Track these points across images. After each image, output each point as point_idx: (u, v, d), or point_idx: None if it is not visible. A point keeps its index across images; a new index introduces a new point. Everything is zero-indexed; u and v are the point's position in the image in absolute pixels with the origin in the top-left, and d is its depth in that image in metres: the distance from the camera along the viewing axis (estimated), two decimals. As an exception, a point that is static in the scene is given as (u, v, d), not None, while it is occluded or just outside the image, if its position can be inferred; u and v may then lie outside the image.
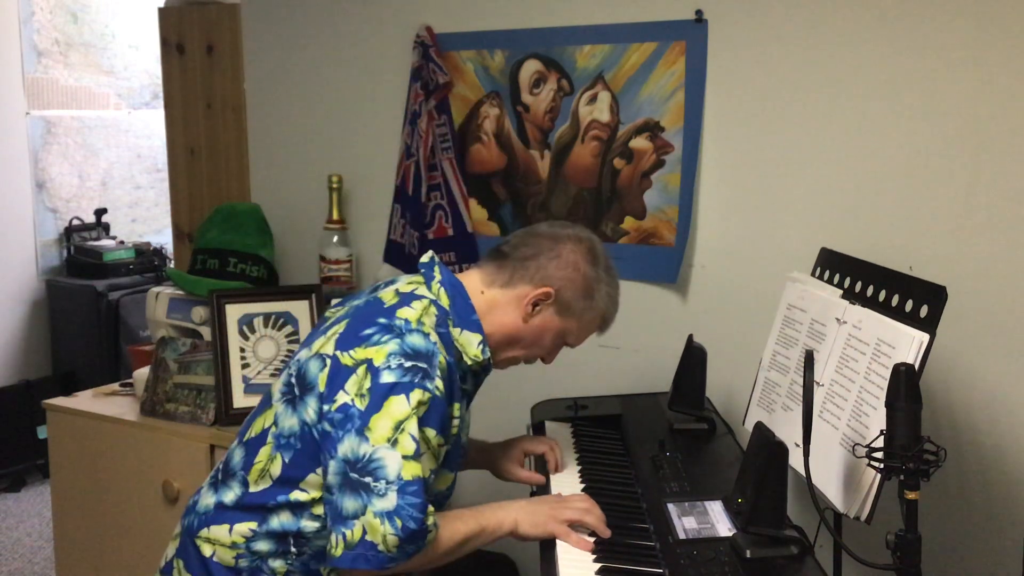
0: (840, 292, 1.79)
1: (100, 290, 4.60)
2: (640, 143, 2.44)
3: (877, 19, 2.11)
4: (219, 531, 1.65)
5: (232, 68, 3.37)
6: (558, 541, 1.59)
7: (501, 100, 2.63)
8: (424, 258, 1.76)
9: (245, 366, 2.51)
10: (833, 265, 1.92)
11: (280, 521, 1.62)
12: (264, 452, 1.64)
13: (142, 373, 2.65)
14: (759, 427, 1.54)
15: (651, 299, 2.47)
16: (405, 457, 1.50)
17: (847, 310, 1.69)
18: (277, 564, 1.64)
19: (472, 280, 1.74)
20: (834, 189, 2.20)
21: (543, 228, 1.79)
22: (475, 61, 2.66)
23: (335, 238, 2.83)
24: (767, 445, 1.48)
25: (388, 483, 1.48)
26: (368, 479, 1.49)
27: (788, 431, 1.71)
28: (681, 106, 2.37)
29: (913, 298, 1.57)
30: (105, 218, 5.03)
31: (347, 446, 1.51)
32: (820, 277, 1.94)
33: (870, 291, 1.71)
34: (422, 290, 1.68)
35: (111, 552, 2.59)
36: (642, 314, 2.49)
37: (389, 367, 1.53)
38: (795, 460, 1.53)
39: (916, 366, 1.42)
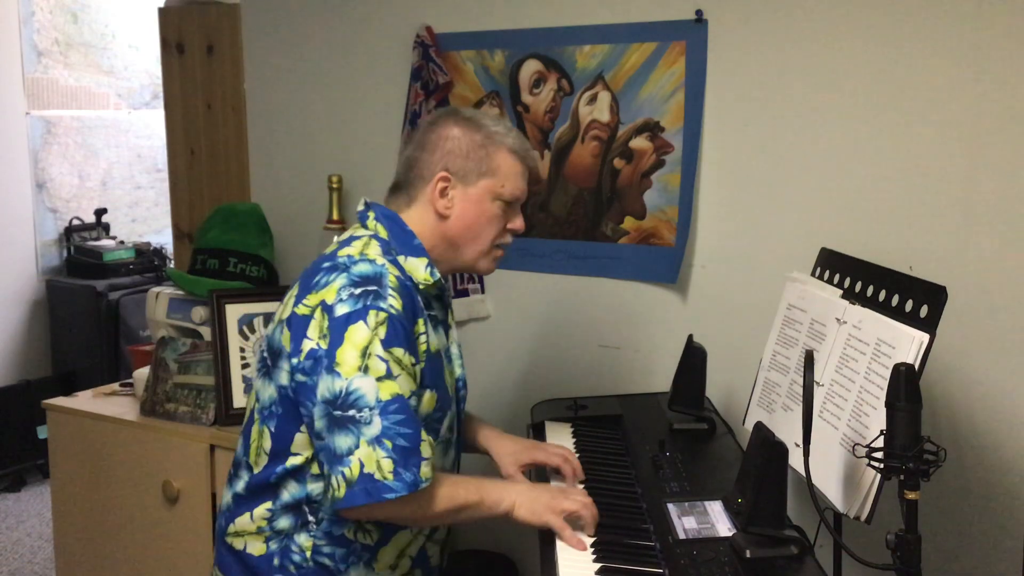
0: (840, 292, 1.79)
1: (100, 290, 4.60)
2: (640, 143, 2.44)
3: (877, 19, 2.11)
4: (243, 521, 1.67)
5: (232, 68, 3.38)
6: (557, 539, 1.59)
7: (501, 100, 2.63)
8: (359, 206, 1.78)
9: (245, 366, 2.51)
10: (833, 265, 1.91)
11: (290, 493, 1.63)
12: (255, 431, 1.65)
13: (142, 373, 2.65)
14: (759, 427, 1.54)
15: (651, 299, 2.47)
16: (379, 379, 1.50)
17: (847, 310, 1.69)
18: (302, 539, 1.63)
19: None
20: (834, 189, 2.20)
21: (411, 144, 1.79)
22: (475, 61, 2.66)
23: (335, 238, 2.82)
24: (767, 445, 1.48)
25: (371, 409, 1.49)
26: (352, 411, 1.49)
27: (788, 431, 1.71)
28: (681, 106, 2.37)
29: (913, 298, 1.57)
30: (105, 218, 5.04)
31: (323, 387, 1.51)
32: (820, 277, 1.94)
33: (870, 291, 1.71)
34: (360, 231, 1.71)
35: (111, 552, 2.59)
36: (642, 314, 2.49)
37: (341, 300, 1.54)
38: (795, 460, 1.53)
39: (916, 366, 1.42)
